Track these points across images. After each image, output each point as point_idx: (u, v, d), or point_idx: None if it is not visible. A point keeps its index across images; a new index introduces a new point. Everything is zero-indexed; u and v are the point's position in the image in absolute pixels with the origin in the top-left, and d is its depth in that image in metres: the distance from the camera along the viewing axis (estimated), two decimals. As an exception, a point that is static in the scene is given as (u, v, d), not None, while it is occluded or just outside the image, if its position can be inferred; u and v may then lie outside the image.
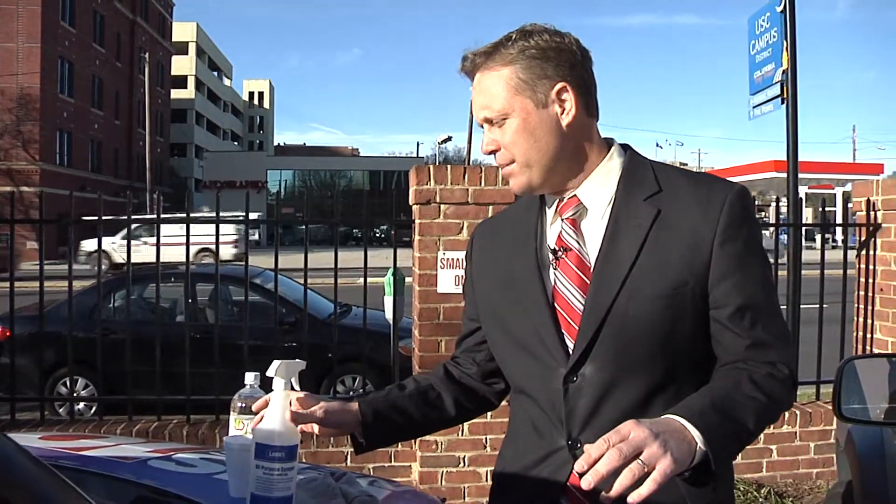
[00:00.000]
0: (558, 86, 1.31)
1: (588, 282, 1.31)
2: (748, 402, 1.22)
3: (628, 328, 1.27)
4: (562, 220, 1.38)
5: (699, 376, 1.29)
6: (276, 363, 1.33)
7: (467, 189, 4.00)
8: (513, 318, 1.40)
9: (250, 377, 1.59)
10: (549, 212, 1.42)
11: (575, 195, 1.37)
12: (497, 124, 1.33)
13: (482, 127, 1.37)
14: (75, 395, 6.16)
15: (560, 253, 1.35)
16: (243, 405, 1.57)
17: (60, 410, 6.57)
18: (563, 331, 1.32)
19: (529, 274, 1.38)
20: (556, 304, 1.34)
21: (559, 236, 1.37)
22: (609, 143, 1.41)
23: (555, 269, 1.36)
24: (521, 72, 1.31)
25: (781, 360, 1.29)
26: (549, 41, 1.32)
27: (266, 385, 1.42)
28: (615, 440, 1.05)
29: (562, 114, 1.32)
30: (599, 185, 1.36)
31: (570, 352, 1.31)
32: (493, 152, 1.36)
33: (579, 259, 1.34)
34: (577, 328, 1.31)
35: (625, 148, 1.42)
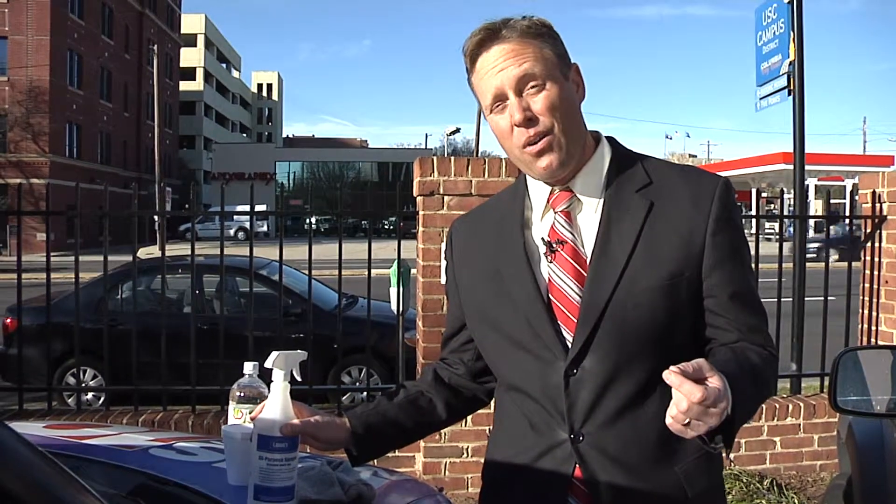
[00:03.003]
0: (573, 65, 1.36)
1: (584, 274, 1.32)
2: (757, 376, 1.25)
3: (628, 318, 1.28)
4: (555, 212, 1.38)
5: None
6: (274, 354, 1.34)
7: (470, 180, 4.01)
8: (503, 314, 1.38)
9: (249, 367, 1.60)
10: (537, 205, 1.41)
11: (568, 187, 1.37)
12: (535, 89, 1.29)
13: (505, 97, 1.30)
14: (82, 384, 6.22)
15: (555, 246, 1.35)
16: (242, 394, 1.59)
17: (69, 401, 6.62)
18: (560, 323, 1.32)
19: (519, 268, 1.37)
20: (551, 297, 1.34)
21: (552, 229, 1.37)
22: (595, 135, 1.41)
23: (550, 262, 1.35)
24: (553, 46, 1.32)
25: (769, 343, 1.35)
26: None
27: (265, 375, 1.43)
28: (711, 396, 1.06)
29: (576, 91, 1.35)
30: (591, 178, 1.37)
31: (569, 344, 1.31)
32: (530, 119, 1.29)
33: (575, 251, 1.34)
34: (574, 320, 1.31)
35: (609, 140, 1.43)
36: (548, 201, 1.39)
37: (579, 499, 1.32)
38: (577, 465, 1.31)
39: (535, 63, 1.28)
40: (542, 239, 1.38)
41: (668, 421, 1.09)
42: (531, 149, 1.30)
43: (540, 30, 1.31)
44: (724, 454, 1.28)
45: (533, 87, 1.29)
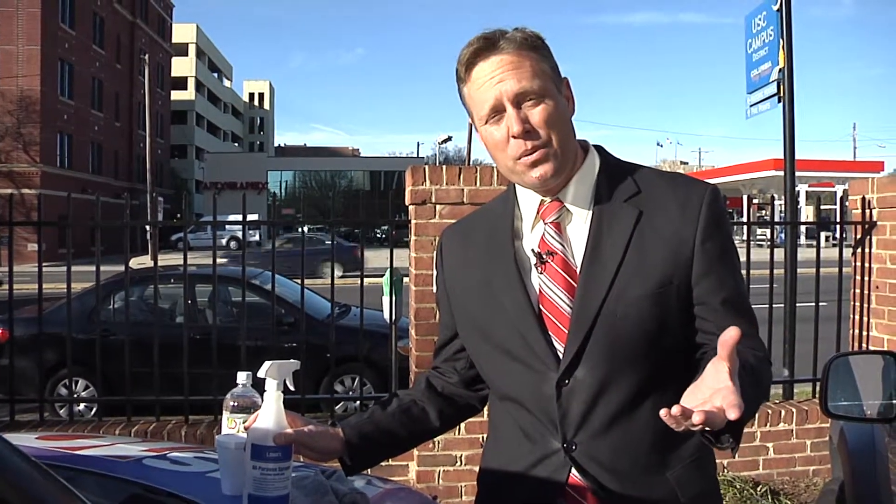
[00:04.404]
0: (564, 79, 1.37)
1: (575, 285, 1.32)
2: (756, 379, 1.24)
3: (618, 328, 1.28)
4: (544, 223, 1.38)
5: (687, 368, 1.30)
6: (266, 364, 1.34)
7: (462, 189, 4.02)
8: (494, 325, 1.38)
9: (242, 377, 1.60)
10: (527, 216, 1.41)
11: (557, 198, 1.37)
12: (532, 102, 1.29)
13: (503, 108, 1.30)
14: (75, 396, 6.19)
15: (545, 257, 1.35)
16: (235, 404, 1.58)
17: (61, 412, 6.59)
18: (551, 334, 1.33)
19: (510, 279, 1.37)
20: (542, 308, 1.34)
21: (542, 240, 1.37)
22: (583, 144, 1.42)
23: (540, 273, 1.35)
24: (548, 60, 1.33)
25: (761, 348, 1.34)
26: None
27: (258, 384, 1.43)
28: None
29: (567, 105, 1.36)
30: (581, 188, 1.37)
31: (560, 355, 1.31)
32: (528, 131, 1.29)
33: (565, 262, 1.34)
34: (565, 331, 1.31)
35: (597, 149, 1.43)
36: (538, 212, 1.39)
37: None
38: (571, 474, 1.32)
39: (534, 77, 1.29)
40: (533, 250, 1.38)
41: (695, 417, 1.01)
42: (527, 159, 1.30)
43: (535, 42, 1.32)
44: (732, 452, 1.25)
45: (531, 100, 1.29)
